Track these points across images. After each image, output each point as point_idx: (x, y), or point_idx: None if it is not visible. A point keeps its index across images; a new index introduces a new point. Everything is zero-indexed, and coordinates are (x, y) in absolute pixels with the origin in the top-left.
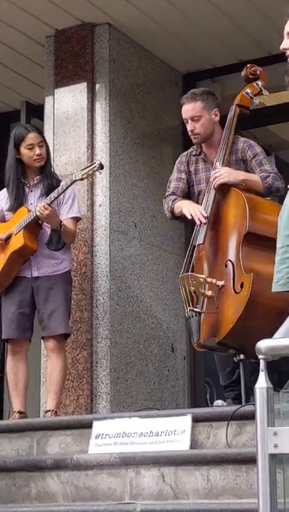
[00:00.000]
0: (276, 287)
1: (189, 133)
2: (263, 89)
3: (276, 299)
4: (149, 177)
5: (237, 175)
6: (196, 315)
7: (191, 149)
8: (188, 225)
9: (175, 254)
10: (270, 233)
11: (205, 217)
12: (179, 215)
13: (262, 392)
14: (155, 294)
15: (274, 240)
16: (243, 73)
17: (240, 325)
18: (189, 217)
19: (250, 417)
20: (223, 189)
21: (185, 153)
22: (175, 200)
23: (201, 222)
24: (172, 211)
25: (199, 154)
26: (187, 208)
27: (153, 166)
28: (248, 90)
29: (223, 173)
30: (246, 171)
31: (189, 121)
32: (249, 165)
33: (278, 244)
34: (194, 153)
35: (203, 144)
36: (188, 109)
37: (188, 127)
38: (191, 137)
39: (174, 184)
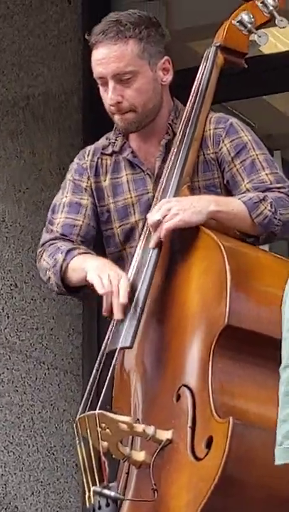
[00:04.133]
0: (281, 454)
1: (110, 109)
2: (276, 14)
3: (278, 477)
4: (8, 192)
5: (201, 205)
6: (107, 505)
7: (103, 140)
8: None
9: (60, 369)
10: (270, 329)
11: (122, 311)
12: (79, 284)
13: None
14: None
15: (275, 343)
16: None
17: None
18: (100, 291)
19: None
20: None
21: (90, 148)
22: (71, 251)
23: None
24: (64, 275)
25: (120, 151)
26: (99, 277)
27: (18, 167)
28: (245, 16)
29: (172, 211)
30: (224, 183)
31: (111, 84)
32: (229, 171)
33: (285, 359)
34: (110, 148)
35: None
36: (110, 56)
37: (110, 97)
38: (115, 118)
39: (65, 217)
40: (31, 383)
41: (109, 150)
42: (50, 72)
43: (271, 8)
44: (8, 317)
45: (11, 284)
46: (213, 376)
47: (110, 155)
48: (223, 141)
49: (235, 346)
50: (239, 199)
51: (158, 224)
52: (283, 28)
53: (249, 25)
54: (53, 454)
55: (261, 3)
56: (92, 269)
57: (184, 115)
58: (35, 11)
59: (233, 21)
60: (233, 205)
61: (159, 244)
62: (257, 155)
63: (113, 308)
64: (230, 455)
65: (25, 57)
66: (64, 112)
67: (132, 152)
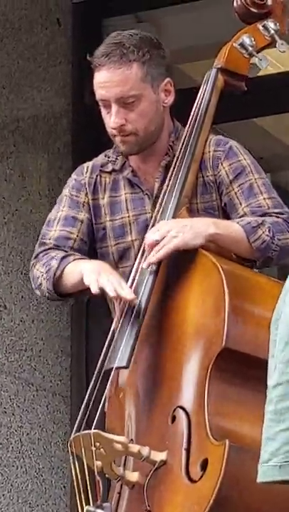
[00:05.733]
0: (266, 472)
1: (112, 132)
2: (277, 38)
3: (273, 501)
4: None
5: (200, 228)
6: None
7: (102, 157)
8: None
9: (48, 391)
10: (267, 352)
11: (132, 299)
12: (74, 289)
13: None
14: None
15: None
16: (237, 2)
17: None
18: (109, 291)
19: None
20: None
21: (89, 165)
22: (66, 257)
23: (125, 309)
24: (57, 280)
25: (121, 170)
26: (95, 276)
27: (7, 189)
28: (246, 39)
29: (171, 233)
30: (222, 205)
31: (114, 108)
32: (227, 194)
33: (271, 380)
34: (110, 167)
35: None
36: (114, 80)
37: (113, 120)
38: (116, 140)
39: (60, 230)
40: (20, 404)
41: (109, 168)
42: (40, 95)
43: (272, 31)
44: None
45: None
46: (210, 398)
47: (110, 173)
48: (222, 164)
49: (231, 369)
50: (238, 223)
51: (155, 244)
52: (283, 52)
53: (250, 49)
54: (42, 476)
55: (263, 26)
56: (88, 271)
57: (184, 137)
58: (25, 34)
59: (234, 44)
60: (232, 229)
61: (154, 265)
62: (255, 179)
63: (115, 302)
64: (226, 478)
65: (15, 80)
66: (53, 135)
67: (132, 171)
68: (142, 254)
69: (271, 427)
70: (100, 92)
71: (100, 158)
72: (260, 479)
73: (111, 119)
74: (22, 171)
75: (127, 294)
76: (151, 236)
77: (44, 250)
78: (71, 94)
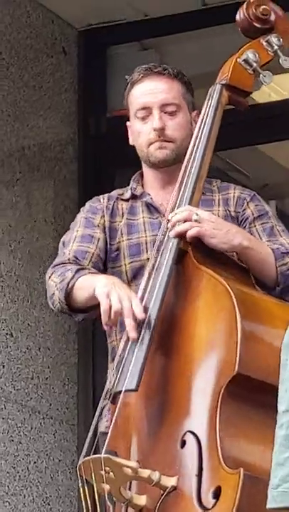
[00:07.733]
0: (275, 498)
1: (150, 138)
2: (280, 54)
3: None
4: (3, 241)
5: (233, 235)
6: None
7: (117, 191)
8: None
9: (55, 419)
10: (277, 378)
11: (137, 329)
12: (84, 304)
13: None
14: None
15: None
16: (240, 16)
17: None
18: (106, 316)
19: None
20: (188, 269)
21: (104, 195)
22: (81, 270)
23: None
24: (70, 292)
25: (141, 196)
26: (107, 292)
27: (14, 217)
28: (250, 55)
29: (205, 222)
30: None
31: (156, 113)
32: (249, 229)
33: (282, 405)
34: (129, 194)
35: (153, 173)
36: (159, 87)
37: (156, 122)
38: (152, 148)
39: (78, 245)
40: (26, 433)
41: (127, 195)
42: (46, 123)
43: (276, 47)
44: (3, 366)
45: (6, 334)
46: (221, 424)
47: (127, 200)
48: (247, 204)
49: (243, 394)
50: (268, 245)
51: (185, 219)
52: (288, 68)
53: (254, 64)
54: (49, 505)
55: (266, 41)
56: (101, 285)
57: (189, 153)
58: (31, 62)
59: (238, 59)
60: (263, 249)
61: (178, 236)
62: (276, 224)
63: (127, 329)
64: (240, 507)
65: (20, 108)
66: (59, 163)
67: (151, 198)
68: (152, 270)
69: (281, 452)
70: (142, 100)
71: (115, 191)
72: (269, 505)
73: (154, 123)
74: (28, 199)
75: (139, 312)
76: (183, 211)
77: (62, 262)
78: (77, 122)
